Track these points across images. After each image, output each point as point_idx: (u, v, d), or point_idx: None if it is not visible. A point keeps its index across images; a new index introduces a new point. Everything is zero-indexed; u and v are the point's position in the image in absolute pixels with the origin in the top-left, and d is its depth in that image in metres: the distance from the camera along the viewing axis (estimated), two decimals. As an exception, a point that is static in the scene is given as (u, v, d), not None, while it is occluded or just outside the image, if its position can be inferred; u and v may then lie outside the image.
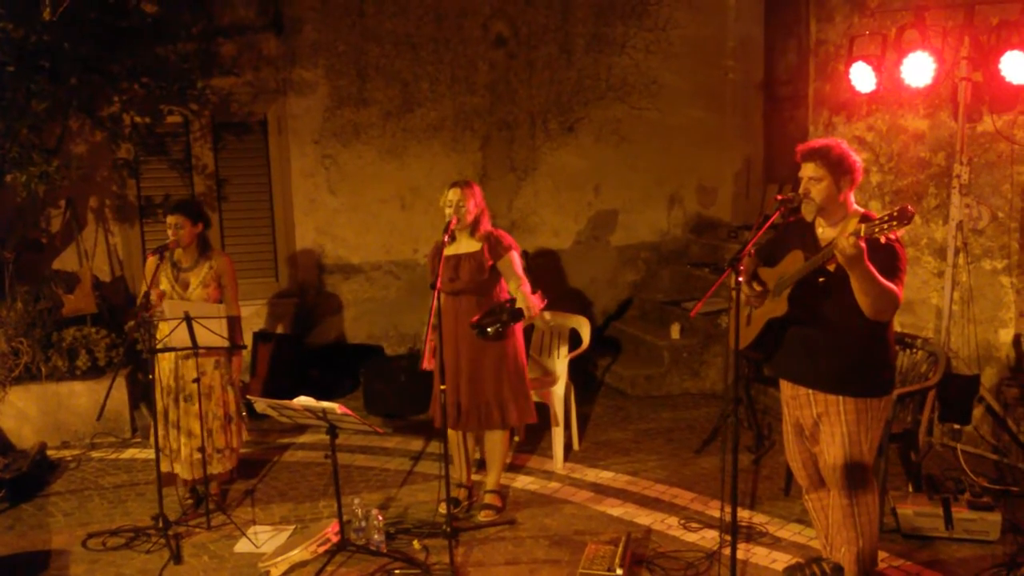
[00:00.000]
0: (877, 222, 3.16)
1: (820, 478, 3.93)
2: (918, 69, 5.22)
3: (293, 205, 7.62)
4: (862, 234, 3.20)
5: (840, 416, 3.65)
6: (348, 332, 7.86)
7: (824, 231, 3.66)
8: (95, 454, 6.13)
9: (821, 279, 3.54)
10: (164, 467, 4.94)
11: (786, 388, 3.89)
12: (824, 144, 3.61)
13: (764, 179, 8.33)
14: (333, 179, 7.64)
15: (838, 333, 3.60)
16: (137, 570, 4.43)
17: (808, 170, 3.59)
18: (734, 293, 3.46)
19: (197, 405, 4.90)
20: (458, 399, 4.83)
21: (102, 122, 6.67)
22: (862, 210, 3.66)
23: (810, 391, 3.74)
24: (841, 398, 3.65)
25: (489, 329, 4.64)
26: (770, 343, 3.80)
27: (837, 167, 3.56)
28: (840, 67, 5.97)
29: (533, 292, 4.77)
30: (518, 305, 4.66)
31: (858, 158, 3.65)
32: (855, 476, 3.69)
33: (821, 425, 3.74)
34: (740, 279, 3.41)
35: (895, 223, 3.11)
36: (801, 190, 3.60)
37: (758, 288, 3.76)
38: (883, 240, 3.20)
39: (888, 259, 3.42)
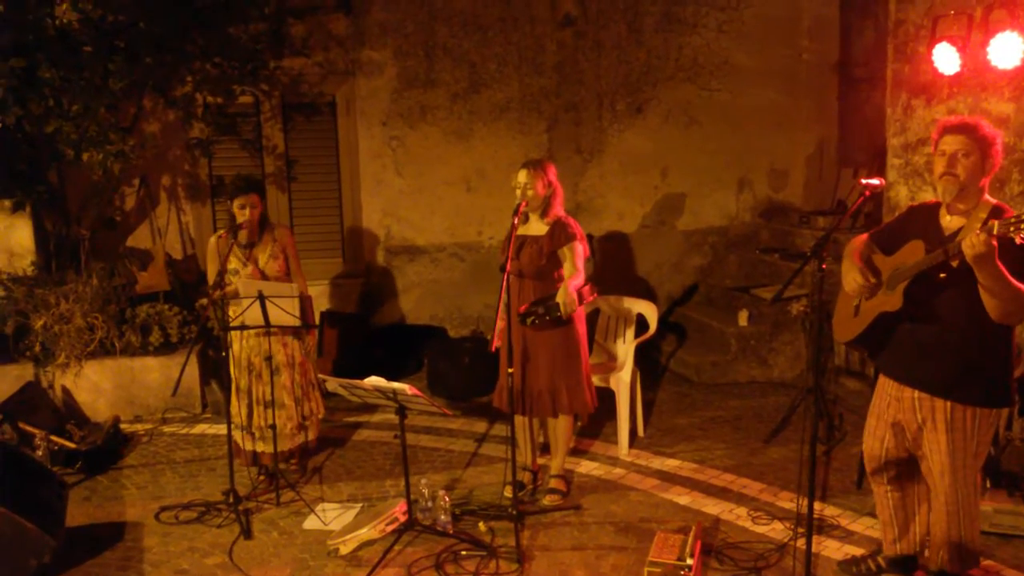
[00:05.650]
0: (1014, 220, 2.85)
1: (902, 472, 3.75)
2: (1006, 50, 5.01)
3: (360, 186, 7.66)
4: (995, 231, 2.89)
5: (946, 424, 3.41)
6: (412, 313, 7.88)
7: (951, 220, 3.37)
8: (167, 429, 6.26)
9: (942, 275, 3.24)
10: (248, 446, 5.06)
11: (890, 387, 3.62)
12: (973, 119, 3.30)
13: (838, 163, 8.14)
14: (400, 160, 7.66)
15: (953, 334, 3.33)
16: (208, 544, 4.51)
17: (955, 143, 3.25)
18: (815, 280, 3.33)
19: (282, 378, 5.04)
20: (518, 383, 4.81)
21: (175, 101, 6.76)
22: (994, 200, 3.32)
23: (915, 394, 3.48)
24: (949, 404, 3.39)
25: (527, 320, 4.62)
26: (879, 338, 3.56)
27: (987, 144, 3.25)
28: (921, 48, 5.77)
29: (585, 283, 4.72)
30: (557, 298, 4.61)
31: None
32: (963, 483, 3.47)
33: (925, 432, 3.50)
34: (823, 267, 3.29)
35: None
36: (943, 167, 3.27)
37: (872, 280, 3.48)
38: (1019, 241, 2.90)
39: (1018, 258, 3.10)
